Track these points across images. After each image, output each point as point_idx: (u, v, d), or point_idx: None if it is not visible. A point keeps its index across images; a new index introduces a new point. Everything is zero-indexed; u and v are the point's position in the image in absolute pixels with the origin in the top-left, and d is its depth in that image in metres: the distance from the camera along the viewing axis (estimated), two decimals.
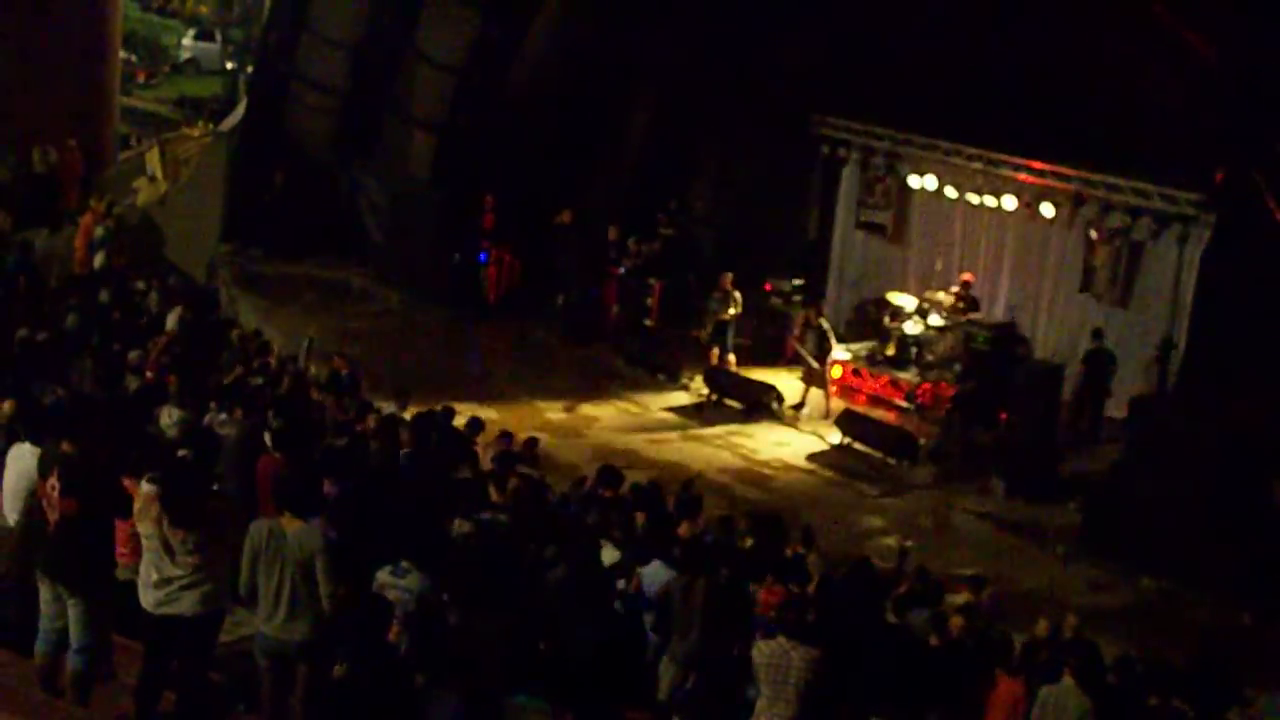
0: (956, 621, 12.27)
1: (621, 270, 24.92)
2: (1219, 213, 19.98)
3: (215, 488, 9.72)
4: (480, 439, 16.14)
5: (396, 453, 14.39)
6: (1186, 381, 20.12)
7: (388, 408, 16.86)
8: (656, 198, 26.88)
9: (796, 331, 22.67)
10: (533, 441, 16.48)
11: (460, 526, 11.64)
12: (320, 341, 20.25)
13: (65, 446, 9.22)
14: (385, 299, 25.83)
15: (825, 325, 22.13)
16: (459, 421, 16.36)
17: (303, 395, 16.62)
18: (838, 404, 21.81)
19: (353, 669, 9.11)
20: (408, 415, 16.36)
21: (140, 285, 21.84)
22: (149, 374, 15.83)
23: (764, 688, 9.47)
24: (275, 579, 8.65)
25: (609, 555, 12.06)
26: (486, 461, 15.09)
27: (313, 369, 18.88)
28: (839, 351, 22.43)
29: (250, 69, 34.99)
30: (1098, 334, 21.27)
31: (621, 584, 11.87)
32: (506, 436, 16.19)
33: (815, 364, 21.88)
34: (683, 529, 13.29)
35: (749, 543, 14.27)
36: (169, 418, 13.46)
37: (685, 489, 15.42)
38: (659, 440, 20.80)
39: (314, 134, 27.08)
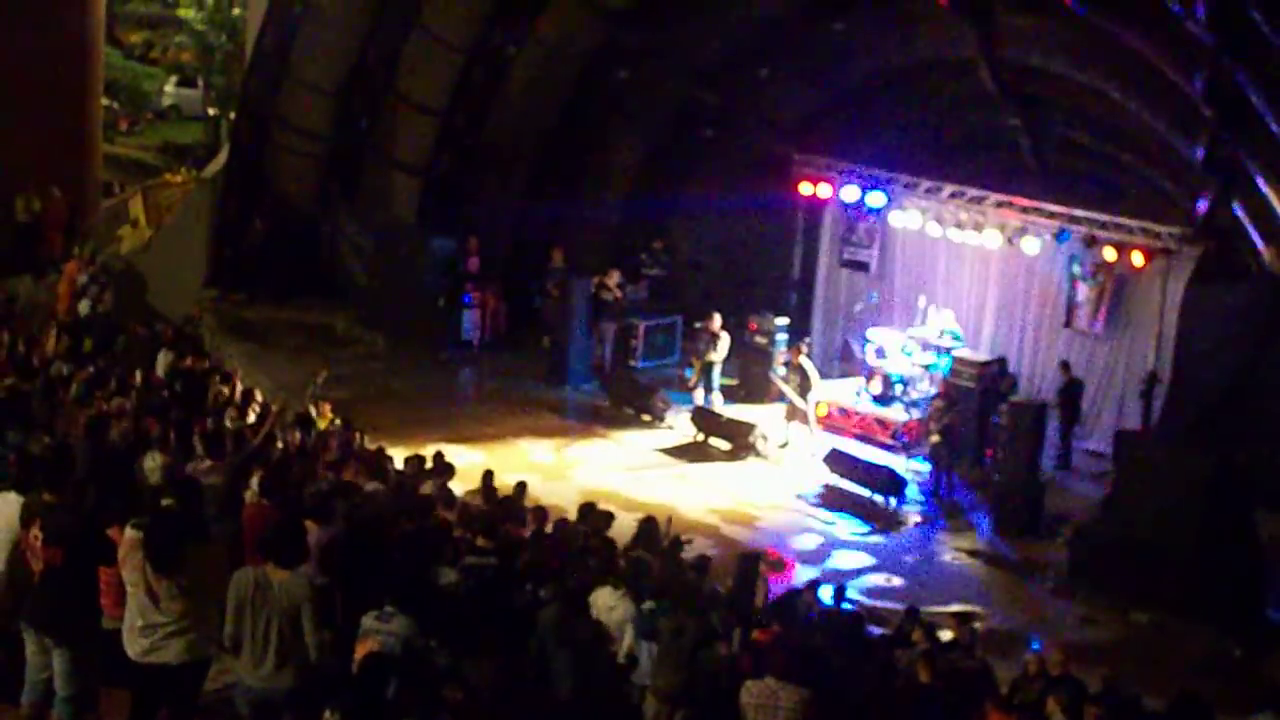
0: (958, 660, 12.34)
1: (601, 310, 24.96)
2: (1202, 246, 20.04)
3: (202, 534, 9.61)
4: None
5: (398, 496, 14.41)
6: (1171, 414, 20.14)
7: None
8: (641, 238, 26.94)
9: (783, 373, 22.62)
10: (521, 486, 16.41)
11: (447, 574, 11.56)
12: (320, 386, 19.99)
13: (47, 496, 9.17)
14: (370, 342, 25.78)
15: (807, 364, 22.08)
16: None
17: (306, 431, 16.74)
18: (824, 442, 21.78)
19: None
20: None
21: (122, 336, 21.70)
22: (137, 422, 15.73)
23: None
24: (262, 629, 8.57)
25: (607, 597, 11.96)
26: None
27: (314, 411, 18.76)
28: (823, 390, 22.40)
29: (232, 115, 34.94)
30: (1066, 366, 21.41)
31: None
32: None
33: (799, 402, 21.85)
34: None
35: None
36: (153, 463, 13.38)
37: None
38: (646, 481, 20.74)
39: (297, 178, 27.07)
